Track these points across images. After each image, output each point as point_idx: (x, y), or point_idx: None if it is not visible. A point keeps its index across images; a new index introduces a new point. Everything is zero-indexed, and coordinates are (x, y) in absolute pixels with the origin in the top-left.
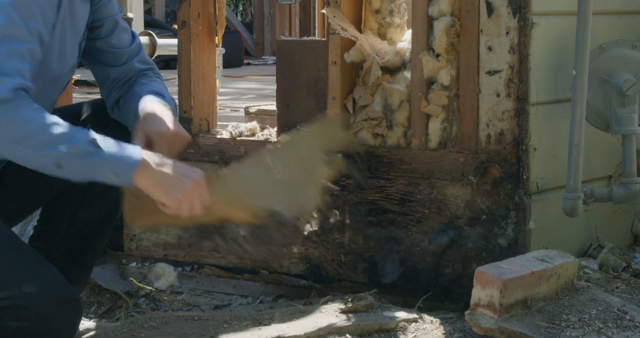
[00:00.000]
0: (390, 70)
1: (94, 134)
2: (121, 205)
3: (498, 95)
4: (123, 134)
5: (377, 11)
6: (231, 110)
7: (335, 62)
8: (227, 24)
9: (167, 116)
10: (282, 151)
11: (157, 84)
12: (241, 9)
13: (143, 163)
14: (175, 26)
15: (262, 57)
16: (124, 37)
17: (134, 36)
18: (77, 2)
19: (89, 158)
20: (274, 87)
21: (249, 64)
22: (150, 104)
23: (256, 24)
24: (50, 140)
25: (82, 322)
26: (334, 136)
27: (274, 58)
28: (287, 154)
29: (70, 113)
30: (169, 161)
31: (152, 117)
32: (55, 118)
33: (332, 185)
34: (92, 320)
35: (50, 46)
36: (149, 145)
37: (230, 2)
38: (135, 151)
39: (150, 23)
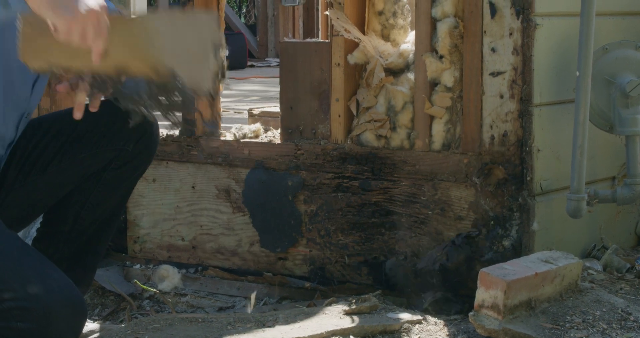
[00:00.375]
0: (394, 72)
1: None
2: (124, 207)
3: (502, 96)
4: None
5: (381, 13)
6: (235, 112)
7: (339, 64)
8: (230, 25)
9: None
10: (189, 22)
11: None
12: (244, 11)
13: None
14: None
15: (266, 59)
16: None
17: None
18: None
19: None
20: (278, 89)
21: (252, 66)
22: None
23: (260, 26)
24: None
25: (86, 323)
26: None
27: (278, 60)
28: (193, 27)
29: None
30: None
31: None
32: None
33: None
34: (96, 322)
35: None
36: None
37: (233, 4)
38: None
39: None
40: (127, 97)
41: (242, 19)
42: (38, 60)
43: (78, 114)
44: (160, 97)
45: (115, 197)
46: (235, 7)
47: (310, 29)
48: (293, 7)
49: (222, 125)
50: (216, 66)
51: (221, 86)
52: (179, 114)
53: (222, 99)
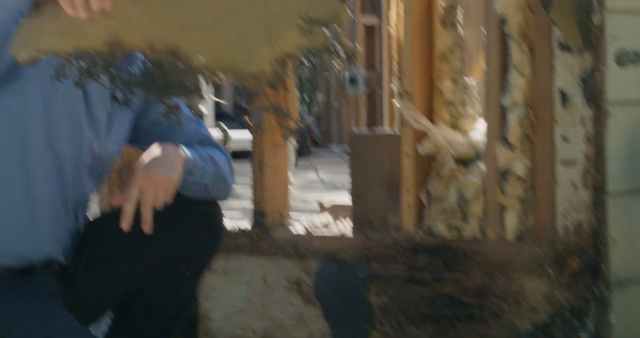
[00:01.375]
0: (464, 161)
1: None
2: (193, 299)
3: (574, 186)
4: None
5: (449, 102)
6: (302, 201)
7: (409, 155)
8: None
9: (168, 154)
10: None
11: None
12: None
13: None
14: (245, 117)
15: (329, 146)
16: (191, 125)
17: (198, 122)
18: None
19: None
20: (343, 177)
21: (316, 153)
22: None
23: (323, 114)
24: None
25: None
26: (326, 1)
27: (341, 147)
28: None
29: None
30: None
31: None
32: None
33: (294, 59)
34: None
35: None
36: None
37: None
38: None
39: (219, 115)
40: (192, 187)
41: (306, 108)
42: (27, 49)
43: (125, 225)
44: (156, 78)
45: (184, 288)
46: (299, 95)
47: (373, 117)
48: (356, 95)
49: (290, 214)
50: (295, 43)
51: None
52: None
53: (290, 188)
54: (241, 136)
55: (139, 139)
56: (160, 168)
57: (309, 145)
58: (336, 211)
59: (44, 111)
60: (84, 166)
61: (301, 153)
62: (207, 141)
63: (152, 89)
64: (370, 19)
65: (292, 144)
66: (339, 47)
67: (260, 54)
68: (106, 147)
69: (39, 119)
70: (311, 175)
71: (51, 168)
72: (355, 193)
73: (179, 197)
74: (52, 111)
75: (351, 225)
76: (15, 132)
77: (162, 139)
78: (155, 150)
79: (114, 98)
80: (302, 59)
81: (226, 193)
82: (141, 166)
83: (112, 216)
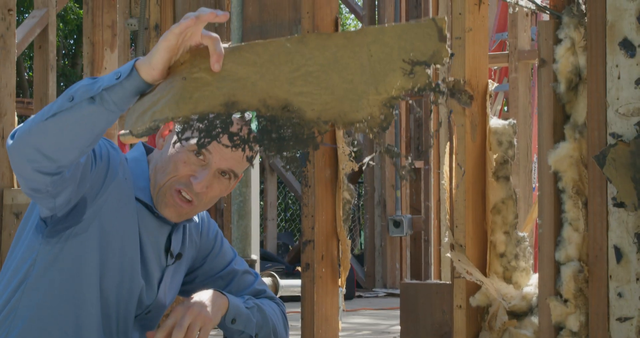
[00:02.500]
0: (517, 315)
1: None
2: None
3: None
4: None
5: (502, 255)
6: None
7: (461, 306)
8: None
9: (211, 297)
10: (349, 38)
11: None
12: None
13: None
14: (290, 261)
15: (373, 289)
16: (247, 279)
17: (255, 275)
18: (144, 219)
19: (93, 86)
20: (388, 322)
21: (360, 296)
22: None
23: (367, 255)
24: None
25: None
26: (426, 42)
27: (385, 290)
28: (355, 43)
29: None
30: None
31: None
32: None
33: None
34: None
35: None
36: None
37: None
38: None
39: (262, 256)
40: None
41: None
42: (142, 122)
43: None
44: (271, 133)
45: None
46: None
47: (417, 260)
48: (400, 237)
49: None
50: (401, 86)
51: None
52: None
53: None
54: (294, 283)
55: (193, 290)
56: (200, 307)
57: (354, 288)
58: None
59: (100, 258)
60: (131, 315)
61: (346, 296)
62: (262, 295)
63: (269, 144)
64: (416, 162)
65: (342, 291)
66: (441, 84)
67: (368, 100)
68: (157, 299)
69: (94, 265)
70: (357, 319)
71: (99, 313)
72: None
73: None
74: (107, 260)
75: None
76: (72, 273)
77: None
78: (200, 293)
79: (168, 253)
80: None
81: None
82: (184, 302)
83: None
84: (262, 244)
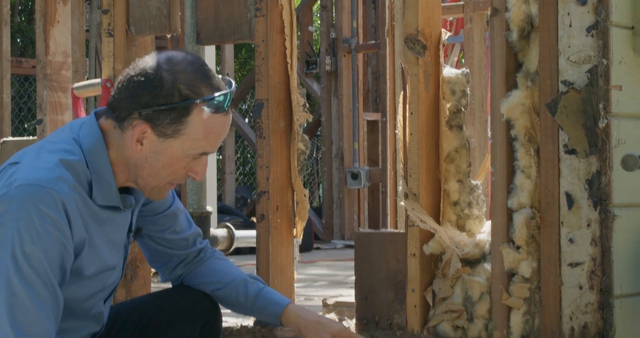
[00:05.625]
0: (470, 262)
1: None
2: None
3: (581, 287)
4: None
5: (456, 203)
6: (305, 298)
7: (415, 254)
8: None
9: (317, 316)
10: None
11: (232, 265)
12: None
13: None
14: (248, 214)
15: (331, 241)
16: (181, 221)
17: (187, 217)
18: (111, 217)
19: None
20: (345, 273)
21: (318, 248)
22: (295, 310)
23: (325, 208)
24: None
25: None
26: None
27: (343, 242)
28: None
29: (134, 310)
30: None
31: (317, 323)
32: None
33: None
34: None
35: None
36: None
37: None
38: None
39: (221, 209)
40: None
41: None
42: None
43: None
44: None
45: None
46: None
47: (375, 212)
48: (358, 189)
49: None
50: None
51: None
52: None
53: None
54: (250, 234)
55: (143, 226)
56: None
57: (311, 240)
58: (341, 309)
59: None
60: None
61: (303, 248)
62: (201, 237)
63: None
64: (373, 115)
65: (297, 241)
66: None
67: None
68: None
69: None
70: (314, 270)
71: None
72: (359, 291)
73: (179, 296)
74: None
75: (356, 323)
76: None
77: (164, 227)
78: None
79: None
80: None
81: None
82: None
83: (124, 308)
84: (220, 198)
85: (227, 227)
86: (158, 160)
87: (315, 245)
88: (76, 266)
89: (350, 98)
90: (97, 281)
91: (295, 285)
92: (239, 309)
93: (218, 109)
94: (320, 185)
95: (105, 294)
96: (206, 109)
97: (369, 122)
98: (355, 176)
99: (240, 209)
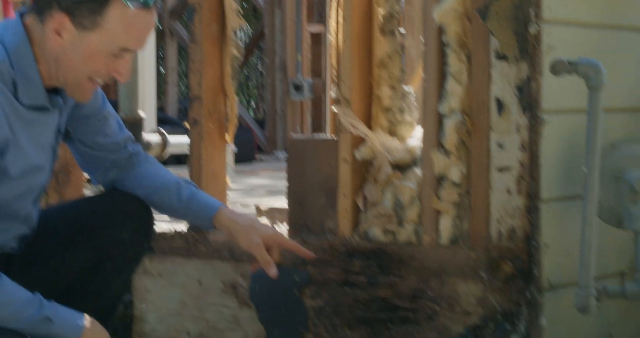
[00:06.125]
0: (401, 167)
1: (44, 310)
2: (122, 299)
3: (509, 192)
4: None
5: (387, 109)
6: (241, 206)
7: (346, 160)
8: (239, 120)
9: (250, 218)
10: None
11: (164, 170)
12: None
13: (84, 335)
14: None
15: (274, 152)
16: (112, 125)
17: (118, 121)
18: (38, 118)
19: (41, 331)
20: (285, 183)
21: (261, 160)
22: (227, 213)
23: (268, 120)
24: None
25: None
26: None
27: (286, 153)
28: None
29: (65, 214)
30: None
31: (250, 227)
32: (5, 294)
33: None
34: None
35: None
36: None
37: (242, 99)
38: (79, 324)
39: (162, 120)
40: None
41: (252, 114)
42: None
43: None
44: None
45: (113, 289)
46: (245, 102)
47: (318, 123)
48: (301, 101)
49: None
50: None
51: None
52: None
53: (229, 193)
54: (183, 140)
55: (74, 129)
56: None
57: (254, 151)
58: (274, 215)
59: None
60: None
61: (245, 159)
62: (132, 139)
63: None
64: (317, 27)
65: (230, 148)
66: None
67: None
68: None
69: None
70: (254, 181)
71: None
72: (292, 197)
73: (111, 200)
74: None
75: (288, 228)
76: None
77: (94, 129)
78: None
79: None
80: None
81: None
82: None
83: (56, 211)
84: (162, 108)
85: (161, 133)
86: (77, 54)
87: (258, 157)
88: (1, 167)
89: (293, 9)
90: (23, 182)
91: (234, 193)
92: (172, 213)
93: (139, 3)
94: (263, 97)
95: (33, 195)
96: (127, 3)
97: (313, 34)
98: (298, 88)
99: (182, 120)
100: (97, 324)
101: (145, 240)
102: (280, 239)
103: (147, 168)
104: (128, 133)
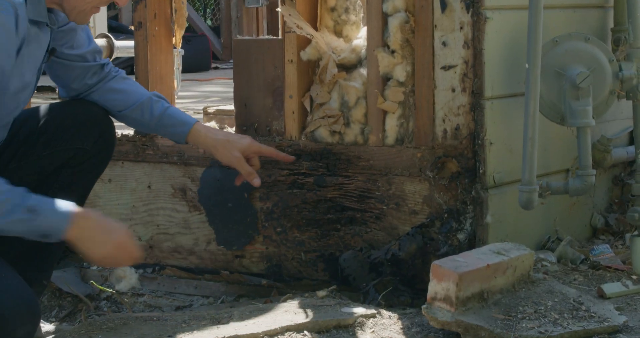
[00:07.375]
0: (347, 67)
1: (29, 200)
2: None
3: (453, 90)
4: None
5: (333, 9)
6: (194, 112)
7: (292, 61)
8: (194, 28)
9: (224, 132)
10: None
11: (135, 84)
12: (210, 13)
13: (72, 222)
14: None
15: (230, 60)
16: (80, 37)
17: (87, 34)
18: (37, 35)
19: (26, 223)
20: None
21: (216, 68)
22: (203, 129)
23: (223, 27)
24: None
25: (42, 325)
26: None
27: None
28: None
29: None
30: (97, 218)
31: (226, 142)
32: None
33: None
34: (52, 324)
35: (7, 84)
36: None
37: (198, 6)
38: (66, 211)
39: (116, 29)
40: None
41: (208, 21)
42: None
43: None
44: None
45: (73, 196)
46: (201, 10)
47: (274, 30)
48: (257, 8)
49: None
50: None
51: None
52: None
53: (182, 101)
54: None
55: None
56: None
57: (209, 59)
58: (221, 118)
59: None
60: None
61: (201, 67)
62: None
63: None
64: None
65: (178, 51)
66: None
67: None
68: None
69: None
70: (208, 88)
71: None
72: (238, 99)
73: (72, 109)
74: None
75: (235, 131)
76: None
77: (62, 42)
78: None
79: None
80: None
81: None
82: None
83: (22, 116)
84: (117, 17)
85: (107, 36)
86: None
87: (213, 65)
88: (4, 79)
89: None
90: (15, 99)
91: (188, 100)
92: (144, 128)
93: None
94: (218, 4)
95: (17, 113)
96: None
97: None
98: None
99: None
100: (89, 210)
101: (106, 149)
102: (257, 148)
103: (117, 83)
104: (96, 46)
